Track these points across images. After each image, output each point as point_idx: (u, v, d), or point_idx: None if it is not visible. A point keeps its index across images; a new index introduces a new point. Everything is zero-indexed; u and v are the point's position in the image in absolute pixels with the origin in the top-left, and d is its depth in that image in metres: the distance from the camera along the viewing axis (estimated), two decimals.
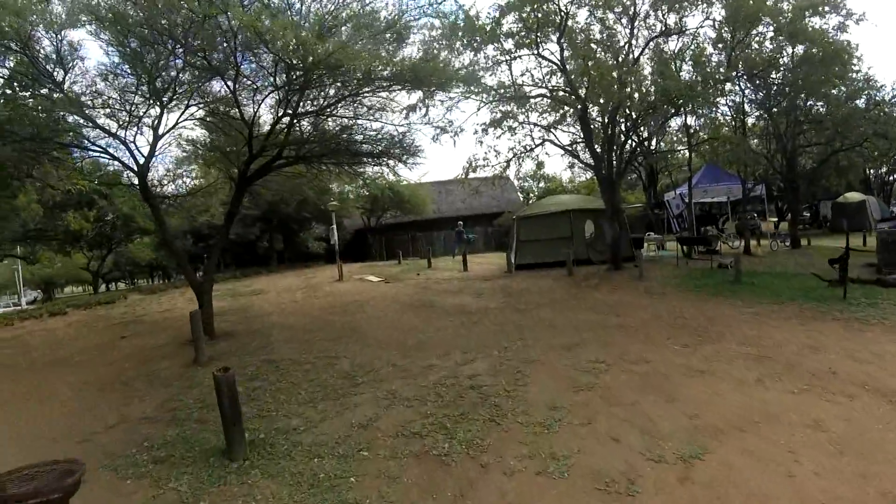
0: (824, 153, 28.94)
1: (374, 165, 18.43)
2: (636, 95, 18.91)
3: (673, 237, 27.66)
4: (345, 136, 16.07)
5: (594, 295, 16.25)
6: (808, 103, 26.23)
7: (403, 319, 14.46)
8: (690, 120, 25.37)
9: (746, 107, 26.23)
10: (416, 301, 17.29)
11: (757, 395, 7.39)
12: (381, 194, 38.78)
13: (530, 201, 52.75)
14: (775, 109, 25.36)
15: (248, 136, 14.28)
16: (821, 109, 26.74)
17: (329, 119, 15.96)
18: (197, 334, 11.76)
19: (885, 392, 7.25)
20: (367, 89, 14.06)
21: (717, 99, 22.48)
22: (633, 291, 16.35)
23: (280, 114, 14.12)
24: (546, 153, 27.55)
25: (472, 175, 23.24)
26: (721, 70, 20.12)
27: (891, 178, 48.24)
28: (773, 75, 23.43)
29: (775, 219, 34.85)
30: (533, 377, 8.62)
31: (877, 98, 27.00)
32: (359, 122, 16.19)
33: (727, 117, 26.61)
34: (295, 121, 14.88)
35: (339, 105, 14.93)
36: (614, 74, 18.29)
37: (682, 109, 21.35)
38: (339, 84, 13.66)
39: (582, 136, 22.35)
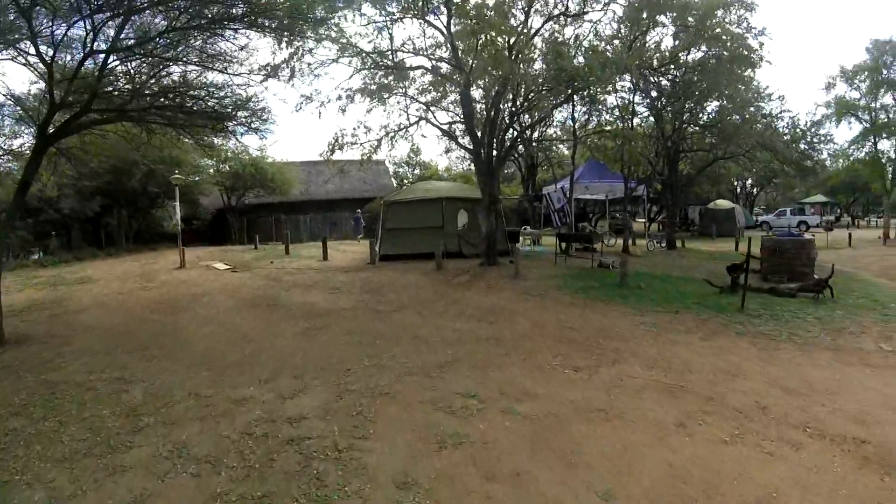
0: (705, 159, 28.84)
1: (214, 130, 15.23)
2: (527, 72, 16.78)
3: (551, 232, 26.06)
4: (172, 87, 12.90)
5: (466, 295, 14.01)
6: (699, 108, 25.86)
7: (235, 322, 11.61)
8: (578, 111, 23.83)
9: (637, 107, 24.98)
10: (258, 297, 14.44)
11: (683, 450, 5.42)
12: (242, 170, 35.36)
13: (403, 187, 50.30)
14: (669, 109, 24.37)
15: (47, 79, 10.99)
16: (710, 116, 26.55)
17: (157, 65, 12.78)
18: None
19: (833, 436, 5.71)
20: (203, 21, 11.16)
21: (612, 85, 20.77)
22: (509, 292, 14.28)
23: (87, 49, 10.88)
24: (422, 135, 25.54)
25: (340, 155, 20.59)
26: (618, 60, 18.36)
27: (754, 189, 51.07)
28: (673, 73, 22.24)
29: (643, 220, 34.51)
30: (380, 423, 6.14)
31: (763, 111, 27.52)
32: (194, 73, 13.23)
33: (614, 115, 25.41)
34: (113, 63, 11.75)
35: (171, 46, 11.88)
36: (507, 42, 16.20)
37: (573, 96, 19.41)
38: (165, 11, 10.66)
39: (462, 117, 20.10)
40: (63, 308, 14.57)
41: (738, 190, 47.33)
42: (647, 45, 21.50)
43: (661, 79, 23.38)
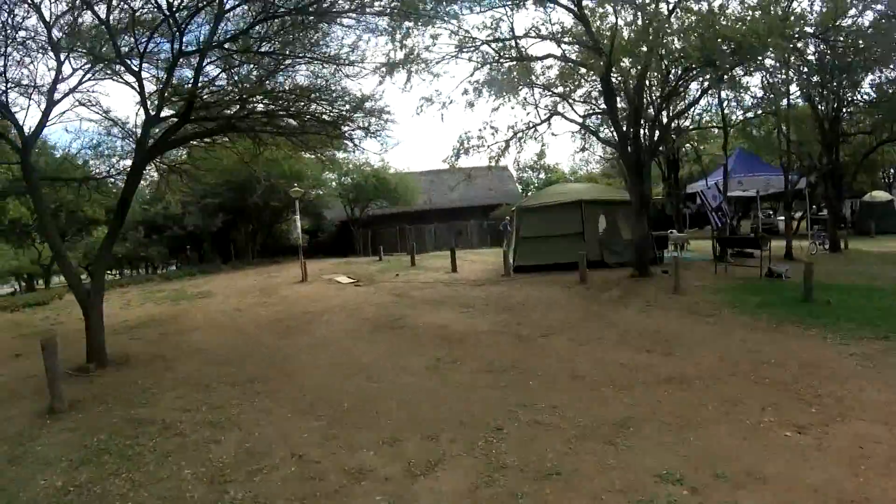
0: (867, 144, 24.78)
1: (330, 137, 13.62)
2: (677, 46, 14.24)
3: (707, 235, 22.94)
4: (279, 92, 11.33)
5: (623, 315, 11.58)
6: (861, 81, 21.81)
7: (355, 350, 9.79)
8: (727, 94, 20.67)
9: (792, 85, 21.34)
10: (382, 316, 12.64)
11: None
12: (365, 182, 34.29)
13: (529, 193, 47.87)
14: (830, 85, 20.67)
15: (139, 89, 9.67)
16: (871, 90, 22.66)
17: (261, 68, 11.25)
18: (53, 374, 7.63)
19: None
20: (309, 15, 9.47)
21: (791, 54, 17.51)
22: (674, 311, 11.72)
23: (176, 50, 9.42)
24: (553, 133, 23.19)
25: (465, 161, 18.80)
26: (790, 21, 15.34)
27: None
28: (833, 39, 18.69)
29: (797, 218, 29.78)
30: None
31: None
32: (304, 77, 11.65)
33: (766, 96, 21.97)
34: (210, 66, 10.32)
35: (272, 42, 10.28)
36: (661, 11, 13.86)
37: (724, 74, 16.47)
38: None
39: (603, 107, 17.76)
40: (176, 325, 13.67)
41: (892, 178, 40.75)
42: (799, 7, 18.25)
43: (820, 47, 19.63)
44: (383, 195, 35.51)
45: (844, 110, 22.66)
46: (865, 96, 23.09)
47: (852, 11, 18.09)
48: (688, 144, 29.04)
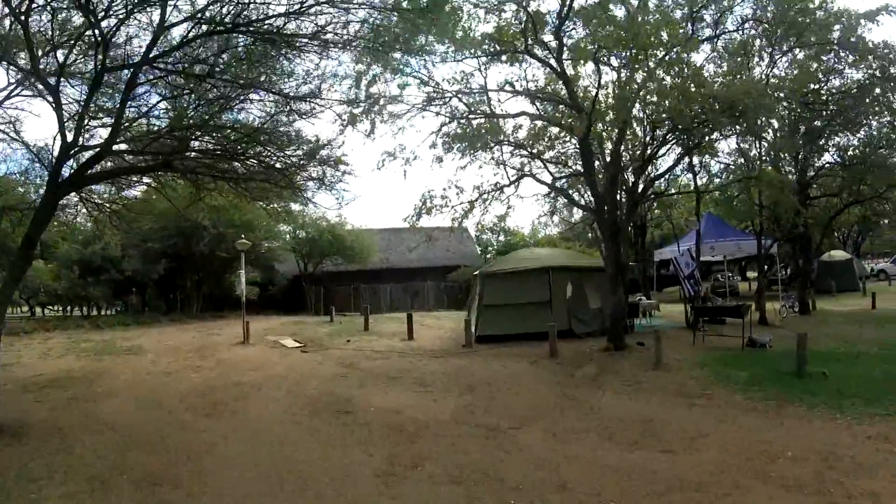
0: (832, 206, 24.76)
1: (278, 186, 12.06)
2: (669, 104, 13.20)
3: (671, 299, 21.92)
4: (227, 125, 9.81)
5: (603, 399, 10.15)
6: (830, 143, 22.31)
7: (291, 442, 8.05)
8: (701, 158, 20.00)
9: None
10: (327, 395, 10.90)
11: None
12: (320, 237, 32.63)
13: (488, 255, 46.56)
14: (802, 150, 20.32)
15: (55, 109, 8.07)
16: (840, 152, 23.01)
17: (205, 103, 9.71)
18: None
19: None
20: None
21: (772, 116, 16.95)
22: (659, 393, 10.39)
23: (99, 64, 7.86)
24: (518, 196, 22.44)
25: (426, 221, 17.38)
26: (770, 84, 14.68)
27: (859, 238, 44.75)
28: (825, 100, 18.30)
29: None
30: None
31: None
32: (254, 106, 10.16)
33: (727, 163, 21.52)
34: (148, 90, 8.79)
35: (220, 66, 8.81)
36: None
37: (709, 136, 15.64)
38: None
39: (576, 168, 16.77)
40: (91, 388, 11.81)
41: (844, 237, 40.96)
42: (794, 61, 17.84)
43: (797, 111, 19.12)
44: (338, 251, 33.91)
45: (812, 173, 22.51)
46: (834, 159, 23.23)
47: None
48: (657, 209, 28.23)
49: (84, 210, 14.74)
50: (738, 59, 16.40)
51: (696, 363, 12.80)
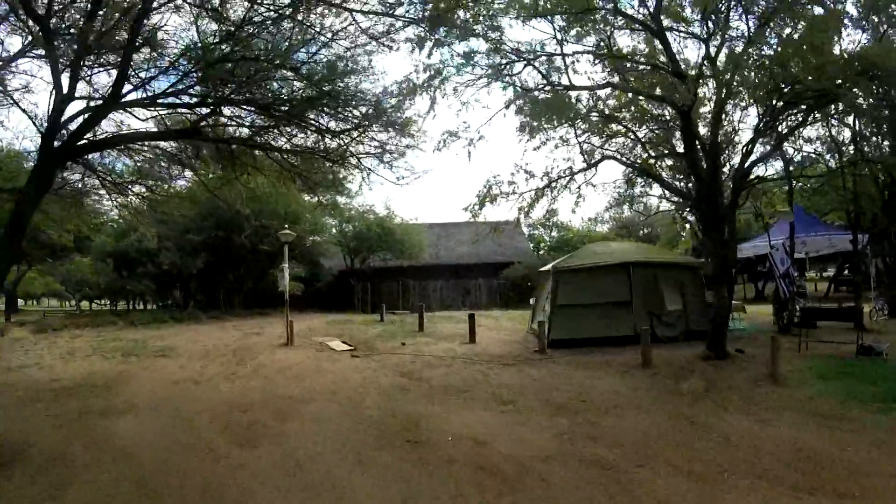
0: None
1: (331, 160, 9.97)
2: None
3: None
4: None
5: (730, 423, 7.90)
6: None
7: (350, 488, 5.91)
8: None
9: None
10: (390, 415, 8.75)
11: None
12: (368, 230, 30.65)
13: (540, 252, 44.11)
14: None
15: (45, 46, 6.13)
16: None
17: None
18: None
19: None
20: None
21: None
22: (789, 413, 8.26)
23: None
24: (590, 183, 19.71)
25: (488, 211, 15.35)
26: None
27: None
28: None
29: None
30: None
31: None
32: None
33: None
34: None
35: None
36: None
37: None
38: None
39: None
40: (109, 401, 9.93)
41: None
42: None
43: None
44: (387, 246, 31.81)
45: None
46: None
47: None
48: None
49: (106, 195, 12.89)
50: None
51: (812, 375, 10.64)
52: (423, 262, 35.36)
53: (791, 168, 18.26)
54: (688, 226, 27.74)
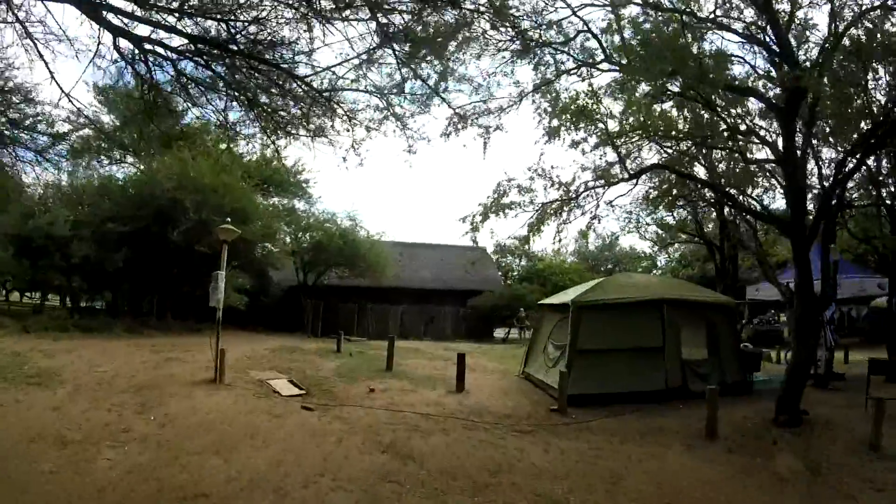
0: None
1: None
2: None
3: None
4: None
5: None
6: None
7: None
8: None
9: None
10: None
11: None
12: (329, 242, 26.21)
13: (508, 282, 40.21)
14: None
15: None
16: None
17: None
18: None
19: None
20: None
21: None
22: None
23: None
24: (608, 202, 16.21)
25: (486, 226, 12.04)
26: None
27: None
28: None
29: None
30: None
31: None
32: None
33: None
34: None
35: None
36: None
37: None
38: None
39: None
40: None
41: None
42: None
43: None
44: (348, 262, 27.34)
45: None
46: None
47: None
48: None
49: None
50: None
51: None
52: (385, 284, 30.80)
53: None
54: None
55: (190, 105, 9.32)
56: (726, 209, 20.32)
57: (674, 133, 11.83)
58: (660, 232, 24.54)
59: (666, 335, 12.26)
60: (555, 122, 11.57)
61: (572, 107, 11.32)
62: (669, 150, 13.44)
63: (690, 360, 12.55)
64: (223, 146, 19.29)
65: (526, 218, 12.08)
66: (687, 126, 11.76)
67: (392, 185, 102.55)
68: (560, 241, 14.10)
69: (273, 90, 8.71)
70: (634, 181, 12.79)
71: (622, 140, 12.32)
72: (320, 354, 16.93)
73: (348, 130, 9.76)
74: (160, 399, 9.68)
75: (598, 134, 11.87)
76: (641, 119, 11.44)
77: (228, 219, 12.61)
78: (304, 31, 7.56)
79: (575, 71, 10.87)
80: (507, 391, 12.92)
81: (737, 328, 14.84)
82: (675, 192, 14.79)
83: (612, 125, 11.82)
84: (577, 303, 12.23)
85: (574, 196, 12.19)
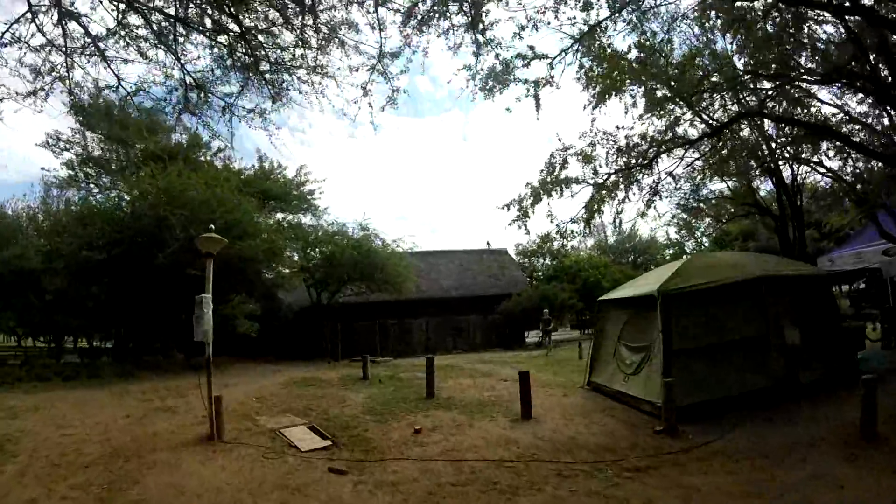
0: None
1: None
2: None
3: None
4: None
5: None
6: None
7: None
8: None
9: None
10: None
11: None
12: (341, 255, 23.35)
13: (534, 283, 37.19)
14: None
15: None
16: None
17: None
18: None
19: None
20: None
21: None
22: None
23: None
24: (670, 175, 13.85)
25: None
26: None
27: None
28: None
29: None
30: None
31: None
32: None
33: None
34: None
35: None
36: None
37: None
38: None
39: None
40: None
41: None
42: None
43: None
44: (365, 276, 24.47)
45: None
46: None
47: None
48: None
49: None
50: None
51: None
52: (404, 297, 27.91)
53: None
54: None
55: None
56: (787, 174, 17.85)
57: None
58: (704, 207, 21.57)
59: (769, 320, 10.08)
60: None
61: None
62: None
63: (794, 347, 10.17)
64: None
65: (586, 195, 9.68)
66: None
67: (401, 192, 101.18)
68: (619, 223, 11.96)
69: None
70: (717, 136, 10.22)
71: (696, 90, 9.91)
72: (344, 384, 14.13)
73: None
74: (136, 473, 7.00)
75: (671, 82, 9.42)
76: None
77: (212, 226, 9.88)
78: None
79: None
80: (582, 411, 10.18)
81: (836, 303, 12.55)
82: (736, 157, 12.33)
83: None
84: (664, 292, 9.47)
85: (645, 161, 9.65)
